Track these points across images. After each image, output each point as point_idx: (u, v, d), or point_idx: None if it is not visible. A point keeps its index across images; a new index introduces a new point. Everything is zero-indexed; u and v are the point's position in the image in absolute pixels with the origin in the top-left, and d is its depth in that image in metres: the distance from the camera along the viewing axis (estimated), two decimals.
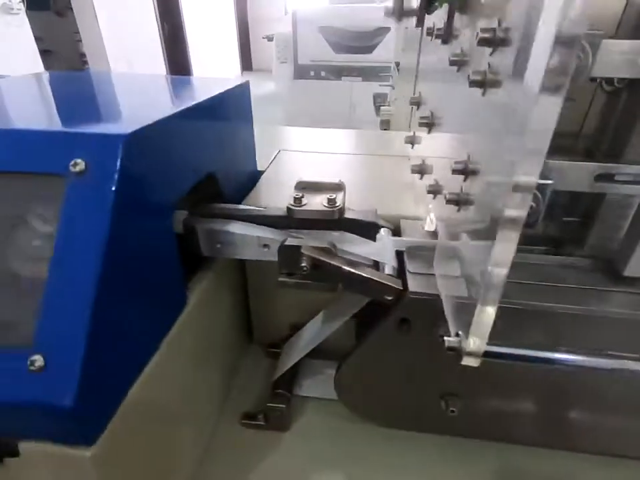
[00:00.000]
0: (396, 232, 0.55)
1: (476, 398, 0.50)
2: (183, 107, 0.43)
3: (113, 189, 0.32)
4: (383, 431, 0.57)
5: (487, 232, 0.27)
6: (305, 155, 0.84)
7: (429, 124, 0.55)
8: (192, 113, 0.44)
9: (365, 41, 4.76)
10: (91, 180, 0.32)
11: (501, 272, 0.26)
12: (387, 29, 4.61)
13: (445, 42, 0.48)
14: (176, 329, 0.44)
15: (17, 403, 0.30)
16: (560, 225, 0.47)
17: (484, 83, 0.30)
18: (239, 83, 0.59)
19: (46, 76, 0.64)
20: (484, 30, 0.28)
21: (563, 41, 0.20)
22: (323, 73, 4.90)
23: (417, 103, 0.70)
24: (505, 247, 0.25)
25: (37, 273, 0.31)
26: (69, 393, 0.29)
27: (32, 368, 0.29)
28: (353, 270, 0.43)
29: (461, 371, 0.47)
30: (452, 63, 0.40)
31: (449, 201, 0.35)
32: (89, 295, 0.30)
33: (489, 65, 0.30)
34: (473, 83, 0.30)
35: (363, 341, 0.49)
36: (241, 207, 0.52)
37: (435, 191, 0.47)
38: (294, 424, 0.60)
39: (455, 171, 0.34)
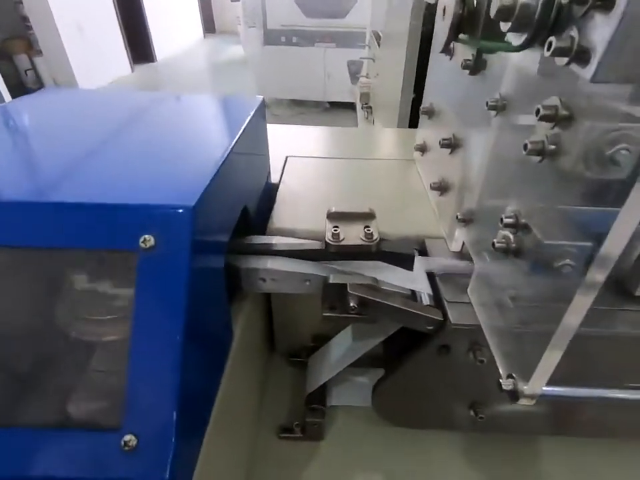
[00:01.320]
0: (422, 252, 0.57)
1: (499, 401, 0.55)
2: (225, 153, 0.42)
3: (185, 259, 0.33)
4: (411, 432, 0.62)
5: (559, 286, 0.29)
6: (312, 160, 0.84)
7: (452, 145, 0.57)
8: (233, 156, 0.44)
9: (337, 4, 4.58)
10: (161, 253, 0.32)
11: (575, 322, 0.29)
12: None
13: (473, 73, 0.48)
14: (228, 364, 0.46)
15: None
16: None
17: (543, 153, 0.32)
18: (257, 105, 0.58)
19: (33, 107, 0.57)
20: (546, 107, 0.30)
21: None
22: (294, 39, 4.70)
23: (428, 112, 0.71)
24: (583, 302, 0.28)
25: (117, 351, 0.32)
26: (164, 469, 0.31)
27: (125, 448, 0.30)
28: (397, 305, 0.46)
29: (487, 383, 0.52)
30: (490, 108, 0.41)
31: (497, 249, 0.37)
32: (174, 370, 0.32)
33: (546, 136, 0.31)
34: (532, 152, 0.32)
35: (401, 364, 0.52)
36: (277, 240, 0.52)
37: (467, 220, 0.49)
38: (327, 432, 0.64)
39: (506, 225, 0.36)
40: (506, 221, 0.36)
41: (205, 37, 9.07)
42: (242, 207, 0.50)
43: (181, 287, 0.32)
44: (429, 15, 1.43)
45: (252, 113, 0.54)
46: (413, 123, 1.47)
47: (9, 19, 5.02)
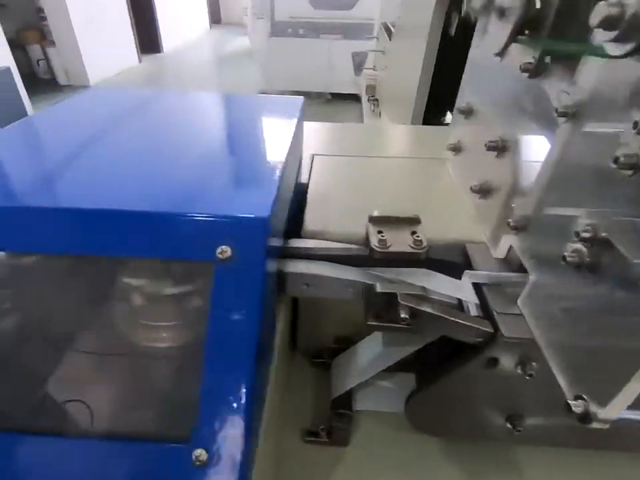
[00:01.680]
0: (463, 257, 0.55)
1: (536, 413, 0.53)
2: (284, 159, 0.40)
3: (259, 269, 0.32)
4: (439, 440, 0.61)
5: None
6: (339, 159, 0.82)
7: (499, 148, 0.55)
8: (287, 160, 0.42)
9: None
10: (237, 263, 0.31)
11: None
12: None
13: (532, 76, 0.46)
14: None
15: None
16: None
17: (636, 167, 0.30)
18: (301, 106, 0.56)
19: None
20: None
21: None
22: (301, 31, 4.66)
23: (465, 112, 0.69)
24: None
25: (190, 363, 0.31)
26: None
27: (197, 463, 0.29)
28: (448, 317, 0.44)
29: (529, 396, 0.50)
30: (560, 115, 0.39)
31: (569, 263, 0.35)
32: (247, 382, 0.30)
33: None
34: (623, 166, 0.30)
35: (443, 374, 0.50)
36: (317, 244, 0.50)
37: (519, 227, 0.47)
38: (352, 437, 0.63)
39: (583, 239, 0.34)
40: (583, 235, 0.34)
41: (210, 28, 8.97)
42: (288, 210, 0.48)
43: (257, 297, 0.31)
44: (452, 10, 1.40)
45: (298, 115, 0.52)
46: (426, 118, 1.44)
47: (25, 10, 5.00)
